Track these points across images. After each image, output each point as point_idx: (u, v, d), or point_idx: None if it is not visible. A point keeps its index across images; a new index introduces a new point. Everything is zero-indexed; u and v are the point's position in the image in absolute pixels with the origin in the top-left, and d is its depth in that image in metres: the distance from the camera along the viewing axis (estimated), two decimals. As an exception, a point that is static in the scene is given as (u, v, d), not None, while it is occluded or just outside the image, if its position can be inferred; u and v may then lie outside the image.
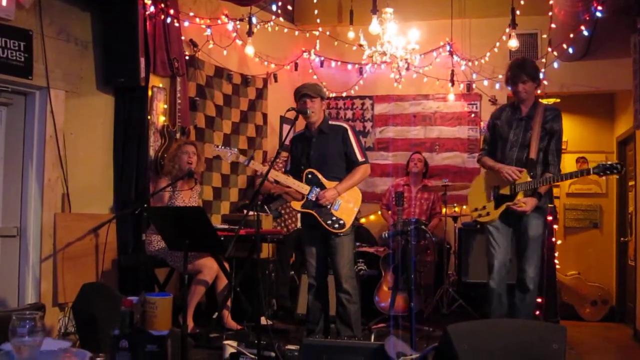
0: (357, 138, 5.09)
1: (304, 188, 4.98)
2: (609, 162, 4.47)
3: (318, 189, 4.95)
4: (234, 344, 4.52)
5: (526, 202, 4.66)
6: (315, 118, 5.04)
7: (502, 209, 4.77)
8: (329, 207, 4.93)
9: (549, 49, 7.46)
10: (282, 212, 6.92)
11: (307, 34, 8.49)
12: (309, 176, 5.01)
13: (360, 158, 5.02)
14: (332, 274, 5.08)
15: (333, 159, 5.03)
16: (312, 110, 4.98)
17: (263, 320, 5.46)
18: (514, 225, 4.84)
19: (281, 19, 8.05)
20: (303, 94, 5.01)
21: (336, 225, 4.92)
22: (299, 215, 7.04)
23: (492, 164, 4.92)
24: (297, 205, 5.04)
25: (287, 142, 6.06)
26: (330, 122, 5.13)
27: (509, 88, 4.99)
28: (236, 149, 5.22)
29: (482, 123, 8.04)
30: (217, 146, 5.23)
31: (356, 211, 5.02)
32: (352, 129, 5.11)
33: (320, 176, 4.99)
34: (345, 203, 4.97)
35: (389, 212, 7.65)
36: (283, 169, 5.48)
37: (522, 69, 4.78)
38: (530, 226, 4.75)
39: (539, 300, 4.72)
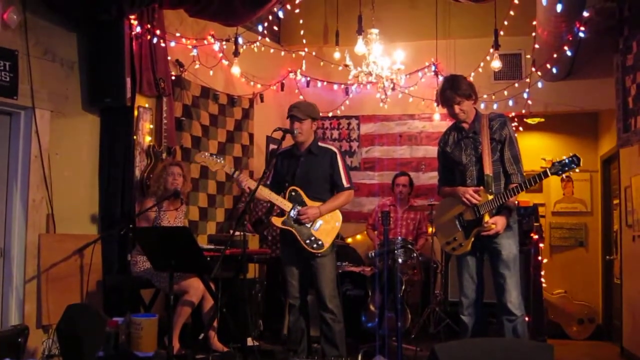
0: (345, 163, 5.13)
1: (286, 205, 4.98)
2: (565, 158, 4.17)
3: (299, 207, 4.96)
4: (220, 365, 4.50)
5: (496, 222, 4.38)
6: (303, 139, 5.05)
7: (472, 236, 4.48)
8: (309, 226, 4.93)
9: (533, 69, 7.53)
10: (274, 234, 6.91)
11: (293, 54, 8.51)
12: (292, 194, 5.01)
13: (345, 183, 5.05)
14: (314, 294, 5.07)
15: (318, 180, 5.05)
16: (299, 132, 4.99)
17: (249, 341, 5.44)
18: (486, 248, 4.55)
19: (267, 39, 8.07)
20: (291, 115, 5.03)
21: (314, 245, 4.91)
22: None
23: (450, 190, 4.70)
24: (277, 221, 5.00)
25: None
26: (319, 144, 5.14)
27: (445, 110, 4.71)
28: (222, 159, 5.20)
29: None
30: (211, 154, 5.19)
31: (335, 233, 5.02)
32: (341, 154, 5.13)
33: (303, 195, 4.99)
34: (326, 224, 4.96)
35: (375, 232, 7.66)
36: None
37: (454, 89, 4.50)
38: (502, 247, 4.43)
39: (526, 319, 4.59)
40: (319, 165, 5.06)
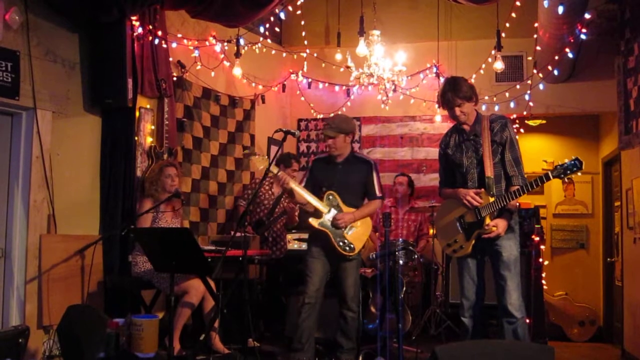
0: (378, 175, 5.42)
1: (323, 208, 5.19)
2: (567, 161, 4.16)
3: (336, 211, 5.19)
4: (221, 366, 4.49)
5: (497, 225, 4.37)
6: (338, 153, 5.31)
7: (473, 238, 4.48)
8: (343, 230, 5.17)
9: (535, 71, 7.53)
10: (275, 235, 6.89)
11: (295, 56, 8.53)
12: (330, 197, 5.25)
13: (378, 193, 5.35)
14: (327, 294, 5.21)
15: (354, 187, 5.33)
16: (334, 147, 5.26)
17: (250, 342, 5.45)
18: (487, 250, 4.54)
19: (269, 40, 8.08)
20: (324, 134, 5.30)
21: (347, 248, 5.16)
22: (287, 239, 7.05)
23: (451, 191, 4.70)
24: (314, 222, 5.20)
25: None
26: (356, 155, 5.46)
27: (447, 111, 4.71)
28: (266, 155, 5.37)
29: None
30: (254, 153, 5.37)
31: (366, 238, 5.32)
32: (376, 167, 5.42)
33: (339, 200, 5.24)
34: (358, 230, 5.24)
35: (376, 233, 7.65)
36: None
37: (455, 92, 4.50)
38: (503, 249, 4.43)
39: (527, 321, 4.57)
40: (356, 173, 5.33)
